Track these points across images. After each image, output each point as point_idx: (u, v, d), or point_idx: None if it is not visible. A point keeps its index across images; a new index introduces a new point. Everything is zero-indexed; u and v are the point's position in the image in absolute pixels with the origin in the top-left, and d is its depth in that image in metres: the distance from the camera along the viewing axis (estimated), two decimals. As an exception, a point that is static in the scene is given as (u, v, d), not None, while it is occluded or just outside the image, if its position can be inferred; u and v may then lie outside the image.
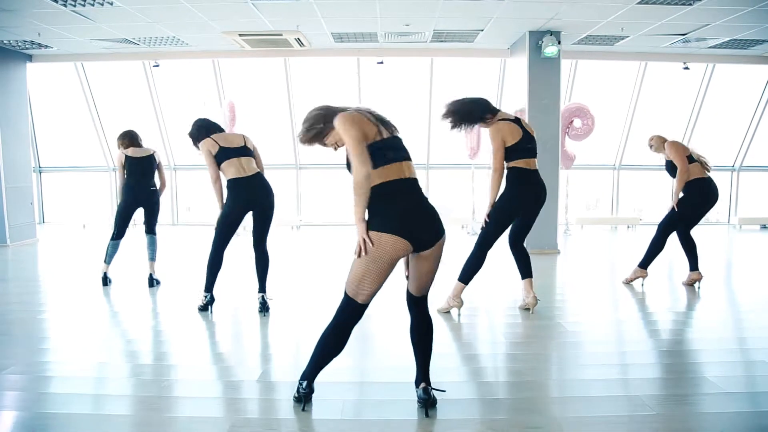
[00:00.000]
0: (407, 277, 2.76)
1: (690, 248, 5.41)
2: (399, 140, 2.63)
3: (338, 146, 2.65)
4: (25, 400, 2.86)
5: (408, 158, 2.60)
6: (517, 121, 4.20)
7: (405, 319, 4.28)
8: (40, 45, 7.75)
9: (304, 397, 2.70)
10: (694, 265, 5.39)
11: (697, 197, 5.30)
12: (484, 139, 8.48)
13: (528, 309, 4.47)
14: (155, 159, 5.57)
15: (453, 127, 4.05)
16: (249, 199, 4.36)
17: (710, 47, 7.96)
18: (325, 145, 2.68)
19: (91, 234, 9.59)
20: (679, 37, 7.39)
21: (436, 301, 4.42)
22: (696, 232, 5.47)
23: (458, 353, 3.67)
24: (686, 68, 8.80)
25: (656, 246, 5.38)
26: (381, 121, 2.61)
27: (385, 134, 2.57)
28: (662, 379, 3.12)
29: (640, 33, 7.24)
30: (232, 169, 4.32)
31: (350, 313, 2.60)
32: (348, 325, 2.62)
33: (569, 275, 6.35)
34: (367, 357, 3.59)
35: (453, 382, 3.02)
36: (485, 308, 4.68)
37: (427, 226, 2.56)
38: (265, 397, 2.88)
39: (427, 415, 2.63)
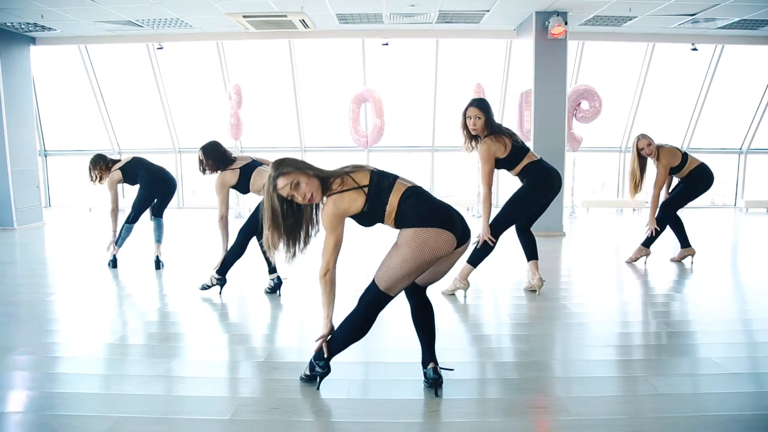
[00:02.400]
0: None
1: (678, 226, 5.53)
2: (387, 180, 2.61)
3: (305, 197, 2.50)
4: (34, 379, 2.90)
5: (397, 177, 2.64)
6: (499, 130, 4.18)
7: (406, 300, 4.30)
8: (43, 27, 7.73)
9: (320, 377, 2.73)
10: (685, 242, 5.55)
11: (699, 184, 5.40)
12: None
13: (534, 291, 4.47)
14: None
15: (478, 118, 4.09)
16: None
17: (719, 28, 7.85)
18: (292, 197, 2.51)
19: (97, 217, 9.63)
20: (687, 17, 7.30)
21: (440, 283, 4.44)
22: (698, 215, 5.50)
23: (463, 334, 3.68)
24: (694, 49, 8.70)
25: (678, 227, 5.54)
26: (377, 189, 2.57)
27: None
28: (666, 359, 3.12)
29: (648, 13, 7.15)
30: (262, 175, 4.27)
31: (380, 304, 2.60)
32: (376, 314, 2.64)
33: (574, 257, 6.35)
34: (373, 337, 3.61)
35: (458, 362, 3.04)
36: (490, 290, 4.69)
37: (461, 221, 2.58)
38: (272, 377, 2.90)
39: (436, 394, 2.65)
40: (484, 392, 2.77)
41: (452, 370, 2.80)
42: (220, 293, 4.52)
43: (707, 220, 8.89)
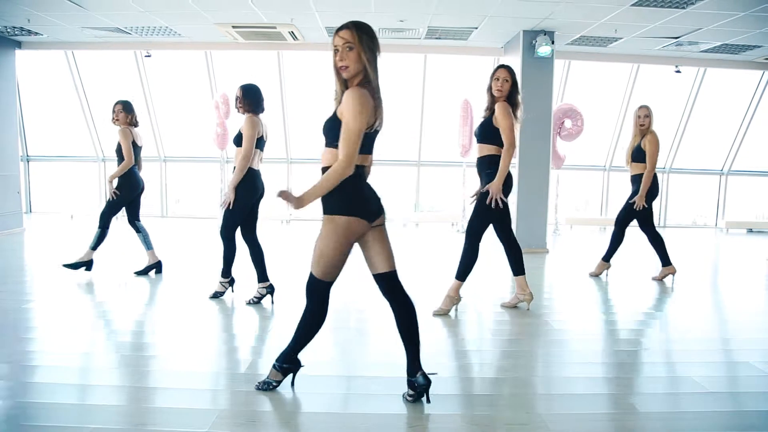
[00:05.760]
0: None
1: (659, 245, 5.60)
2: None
3: None
4: (8, 388, 2.84)
5: None
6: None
7: (391, 314, 4.29)
8: (29, 32, 7.66)
9: (293, 372, 2.80)
10: (666, 260, 5.61)
11: (656, 190, 5.53)
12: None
13: (515, 307, 4.48)
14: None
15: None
16: (260, 191, 4.52)
17: (702, 51, 8.02)
18: None
19: (78, 225, 9.51)
20: (672, 40, 7.44)
21: (433, 304, 4.44)
22: (679, 234, 5.58)
23: (445, 349, 3.67)
24: (678, 71, 8.86)
25: (618, 240, 5.67)
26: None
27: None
28: (647, 377, 3.14)
29: (633, 35, 7.28)
30: (255, 159, 4.43)
31: (323, 291, 2.66)
32: (324, 302, 2.68)
33: (557, 274, 6.39)
34: (352, 351, 3.59)
35: (440, 378, 3.02)
36: (473, 305, 4.69)
37: (376, 200, 2.69)
38: (251, 389, 2.86)
39: (428, 400, 2.67)
40: (467, 408, 2.76)
41: (436, 373, 2.81)
42: (232, 291, 4.68)
43: (688, 239, 9.01)
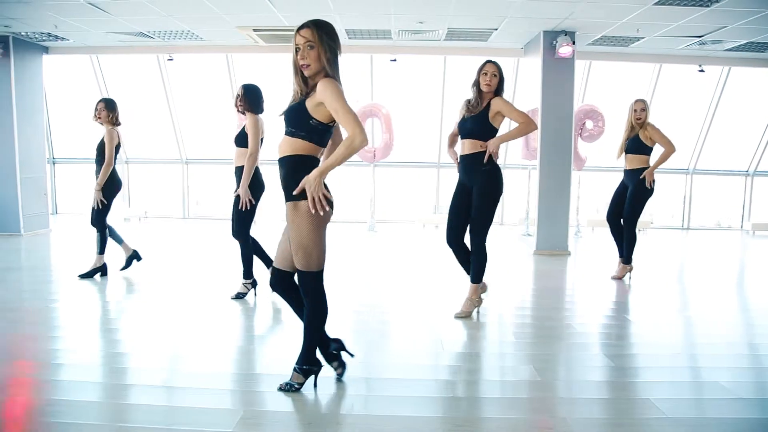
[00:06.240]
0: None
1: (633, 242, 5.58)
2: None
3: None
4: (36, 386, 2.90)
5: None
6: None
7: (414, 317, 4.30)
8: (56, 37, 7.81)
9: (314, 374, 2.84)
10: (629, 258, 5.60)
11: (652, 190, 5.48)
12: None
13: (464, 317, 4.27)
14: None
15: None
16: (264, 189, 4.66)
17: (726, 50, 7.89)
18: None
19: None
20: (695, 39, 7.33)
21: (455, 308, 4.43)
22: (707, 237, 5.49)
23: (467, 352, 3.66)
24: (701, 71, 8.73)
25: (633, 240, 5.58)
26: None
27: None
28: (672, 382, 3.09)
29: (655, 34, 7.19)
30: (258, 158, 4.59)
31: (321, 282, 2.73)
32: (324, 292, 2.75)
33: (579, 277, 6.33)
34: (375, 353, 3.60)
35: (462, 380, 3.02)
36: (494, 308, 4.67)
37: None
38: (274, 390, 2.88)
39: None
40: (488, 411, 2.75)
41: (353, 355, 2.98)
42: (254, 295, 4.75)
43: (713, 242, 8.86)
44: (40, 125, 8.57)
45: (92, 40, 7.98)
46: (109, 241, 5.47)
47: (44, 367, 3.16)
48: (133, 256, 5.56)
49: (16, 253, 7.00)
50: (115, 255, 5.70)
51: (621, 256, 5.67)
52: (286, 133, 2.68)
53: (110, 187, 5.38)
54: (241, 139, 4.57)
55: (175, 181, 10.85)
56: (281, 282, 2.84)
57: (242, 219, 4.55)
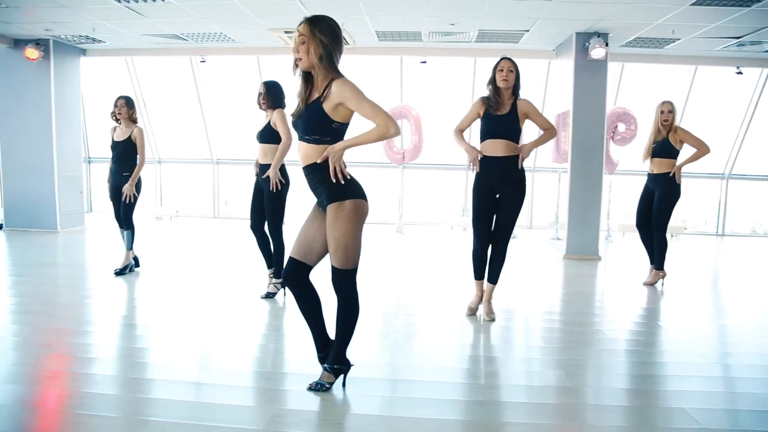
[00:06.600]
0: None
1: (664, 248, 5.46)
2: None
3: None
4: (69, 379, 2.98)
5: None
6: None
7: (440, 319, 4.28)
8: (94, 40, 8.01)
9: (344, 374, 2.86)
10: (661, 263, 5.46)
11: (679, 193, 5.38)
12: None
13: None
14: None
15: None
16: (289, 184, 4.68)
17: (766, 51, 7.67)
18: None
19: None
20: (733, 40, 7.15)
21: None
22: (743, 244, 5.34)
23: (493, 356, 3.63)
24: (739, 73, 8.50)
25: (664, 245, 5.45)
26: None
27: None
28: (707, 392, 3.02)
29: (691, 36, 7.03)
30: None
31: (355, 281, 2.74)
32: (356, 291, 2.77)
33: (610, 282, 6.23)
34: (401, 354, 3.60)
35: (489, 384, 3.00)
36: (523, 312, 4.63)
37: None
38: (305, 390, 2.89)
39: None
40: (515, 416, 2.72)
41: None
42: (284, 294, 4.77)
43: (749, 248, 8.62)
44: (77, 125, 8.80)
45: (128, 42, 8.16)
46: (118, 238, 5.60)
47: (78, 361, 3.25)
48: (131, 265, 5.57)
49: (53, 249, 7.19)
50: (113, 256, 5.77)
51: (652, 262, 5.54)
52: (310, 141, 2.66)
53: (139, 184, 5.49)
54: (265, 135, 4.62)
55: (206, 181, 11.02)
56: (296, 273, 2.77)
57: (274, 214, 4.59)
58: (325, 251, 2.76)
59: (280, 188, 4.54)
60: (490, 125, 4.09)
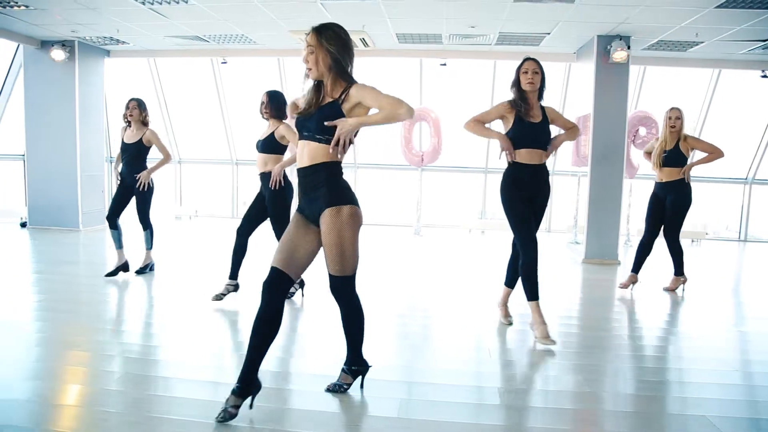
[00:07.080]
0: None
1: (679, 253, 5.45)
2: None
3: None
4: (88, 375, 3.03)
5: None
6: None
7: (458, 322, 4.27)
8: (117, 41, 8.14)
9: (362, 375, 2.87)
10: (680, 269, 5.45)
11: (691, 199, 5.38)
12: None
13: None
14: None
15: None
16: (293, 190, 4.61)
17: (792, 55, 7.55)
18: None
19: (155, 223, 9.95)
20: (758, 43, 7.04)
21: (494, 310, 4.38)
22: (767, 250, 5.25)
23: (511, 359, 3.62)
24: (764, 76, 8.36)
25: (679, 251, 5.44)
26: None
27: None
28: (729, 400, 2.97)
29: (715, 39, 6.94)
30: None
31: (353, 285, 2.72)
32: (356, 294, 2.76)
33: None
34: (418, 357, 3.60)
35: (506, 388, 2.98)
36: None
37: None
38: (322, 391, 2.91)
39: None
40: (532, 420, 2.71)
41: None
42: (302, 295, 4.80)
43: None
44: (100, 125, 8.95)
45: (151, 43, 8.27)
46: (111, 241, 5.63)
47: (97, 358, 3.29)
48: (122, 268, 5.53)
49: (74, 247, 7.31)
50: (133, 255, 5.82)
51: (676, 272, 5.49)
52: (321, 141, 2.62)
53: (152, 183, 5.58)
54: (266, 145, 4.60)
55: (225, 182, 11.12)
56: (279, 284, 2.59)
57: (280, 220, 4.58)
58: (307, 264, 2.68)
59: (279, 188, 4.51)
60: (527, 133, 3.88)
